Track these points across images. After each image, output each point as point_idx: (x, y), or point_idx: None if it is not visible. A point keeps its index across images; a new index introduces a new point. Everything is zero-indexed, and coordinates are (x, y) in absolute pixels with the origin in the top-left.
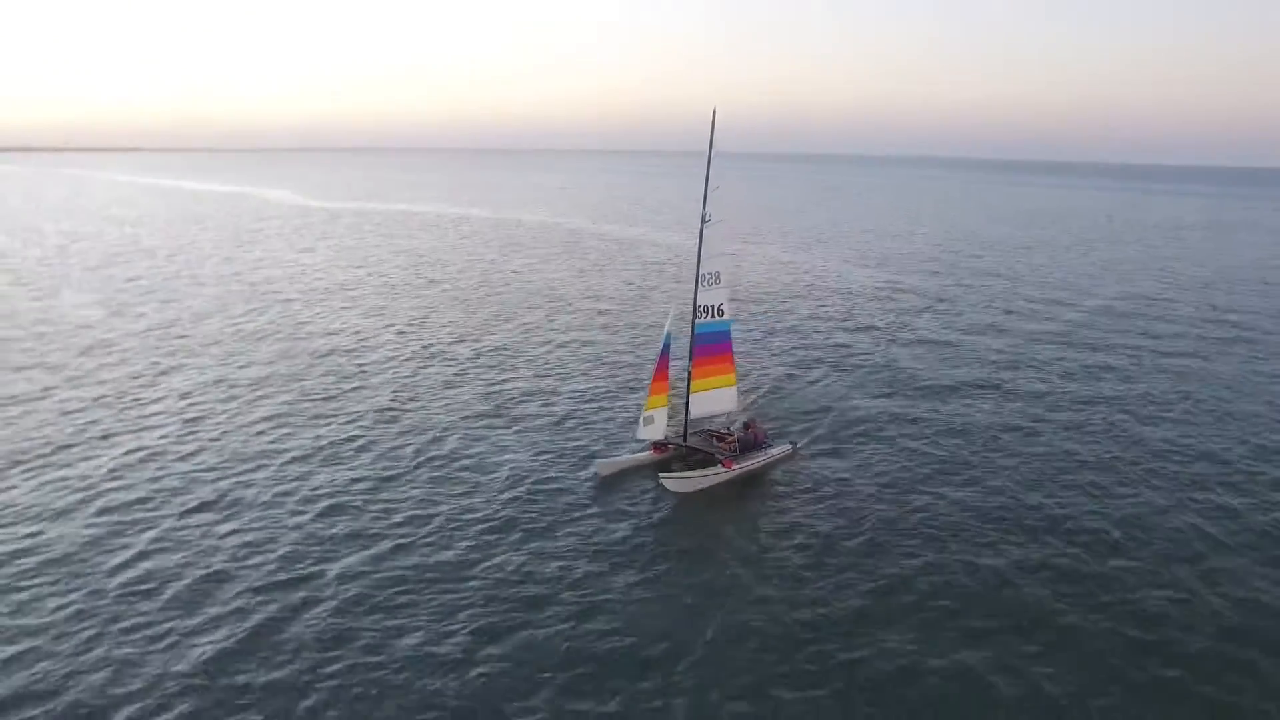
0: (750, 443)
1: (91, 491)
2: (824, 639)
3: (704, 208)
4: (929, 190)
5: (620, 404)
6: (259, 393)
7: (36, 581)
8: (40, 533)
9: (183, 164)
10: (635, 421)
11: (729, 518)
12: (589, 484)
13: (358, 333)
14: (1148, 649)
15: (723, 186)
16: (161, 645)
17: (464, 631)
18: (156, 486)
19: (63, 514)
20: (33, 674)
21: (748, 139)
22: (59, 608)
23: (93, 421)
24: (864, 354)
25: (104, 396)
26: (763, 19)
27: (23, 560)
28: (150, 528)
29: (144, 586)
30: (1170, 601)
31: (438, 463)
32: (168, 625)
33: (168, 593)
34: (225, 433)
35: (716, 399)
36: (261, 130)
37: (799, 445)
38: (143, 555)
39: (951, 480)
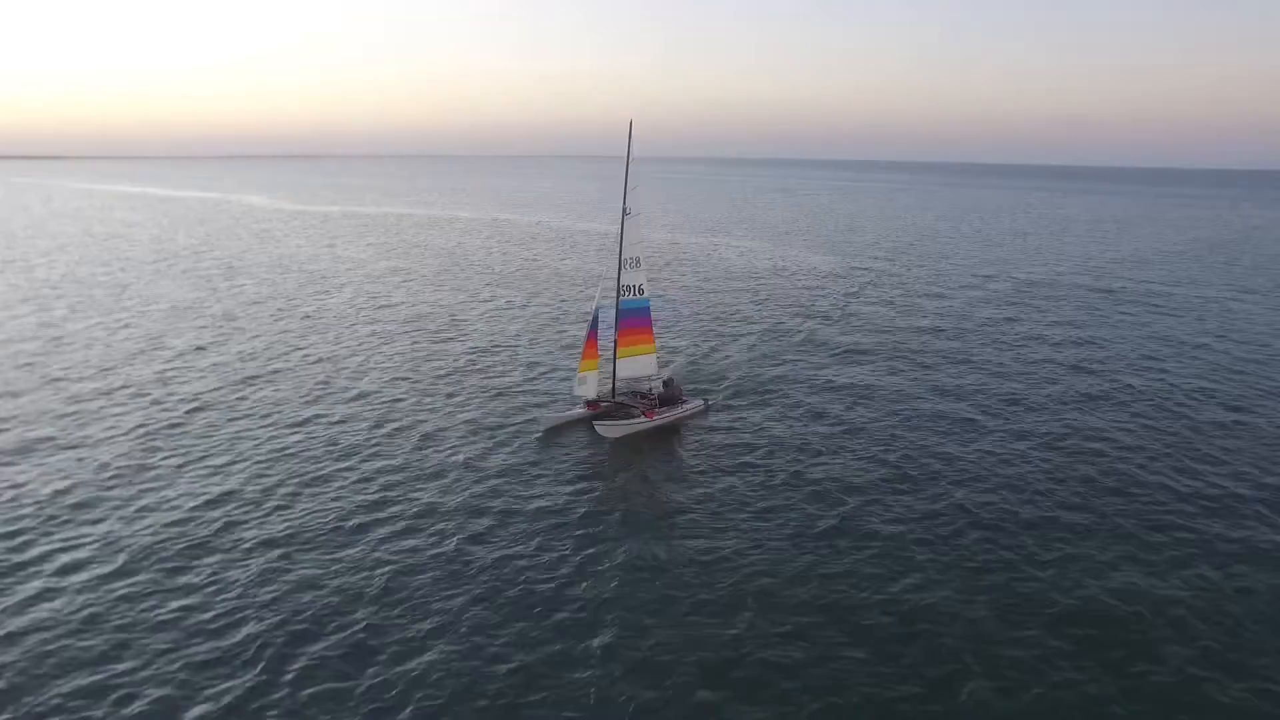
0: (669, 398)
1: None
2: (713, 567)
3: (624, 202)
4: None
5: (559, 369)
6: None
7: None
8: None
9: (125, 171)
10: (570, 383)
11: (649, 458)
12: (535, 435)
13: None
14: (1012, 570)
15: (640, 186)
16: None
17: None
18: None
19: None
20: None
21: (668, 144)
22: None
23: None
24: (773, 326)
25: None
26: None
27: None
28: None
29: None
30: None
31: (399, 422)
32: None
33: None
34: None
35: (639, 364)
36: (167, 138)
37: (710, 402)
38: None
39: (836, 430)
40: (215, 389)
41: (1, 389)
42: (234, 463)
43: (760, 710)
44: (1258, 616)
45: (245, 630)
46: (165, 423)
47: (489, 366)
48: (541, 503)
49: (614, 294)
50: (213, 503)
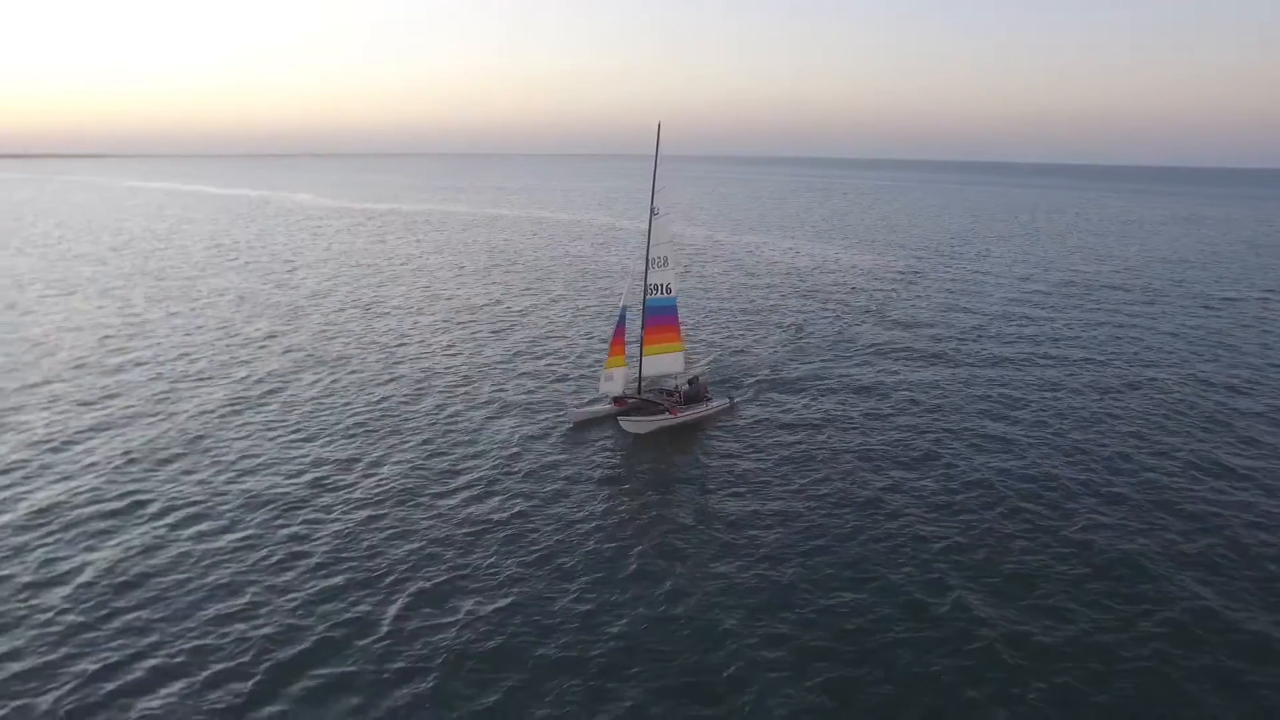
0: (694, 396)
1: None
2: (733, 549)
3: (652, 203)
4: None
5: (589, 363)
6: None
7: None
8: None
9: (172, 169)
10: (598, 378)
11: (674, 454)
12: (564, 428)
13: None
14: (1021, 544)
15: (667, 188)
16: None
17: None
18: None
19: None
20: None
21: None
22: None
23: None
24: (807, 323)
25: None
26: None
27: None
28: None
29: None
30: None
31: (448, 410)
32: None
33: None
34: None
35: (667, 362)
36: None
37: (735, 401)
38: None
39: (860, 429)
40: (291, 370)
41: (100, 371)
42: (317, 435)
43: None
44: None
45: (345, 571)
46: (249, 400)
47: (539, 356)
48: (565, 489)
49: (641, 292)
50: (299, 469)
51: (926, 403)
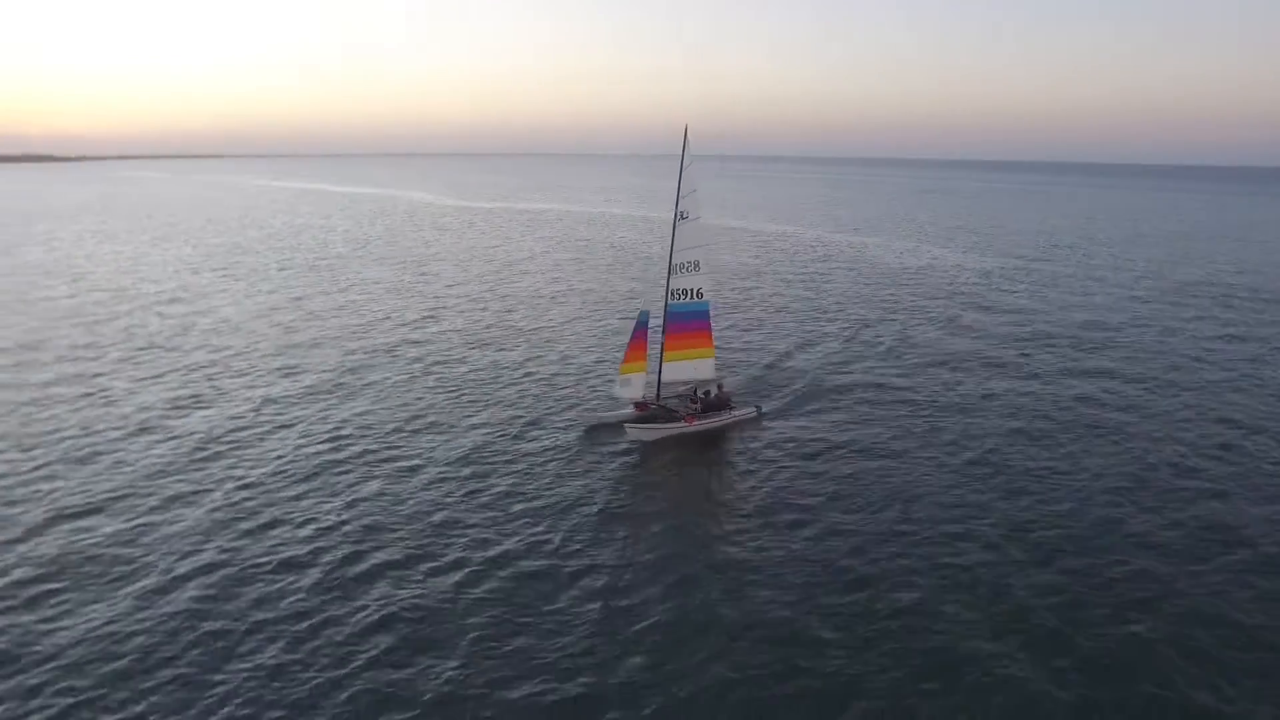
0: (714, 404)
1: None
2: (729, 576)
3: (676, 207)
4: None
5: (605, 366)
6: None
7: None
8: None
9: (284, 169)
10: (614, 382)
11: (686, 463)
12: (579, 433)
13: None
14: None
15: (697, 191)
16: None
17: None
18: None
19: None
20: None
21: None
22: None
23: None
24: (858, 330)
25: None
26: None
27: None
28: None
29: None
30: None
31: (467, 411)
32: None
33: None
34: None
35: (693, 368)
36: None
37: (763, 409)
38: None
39: (893, 447)
40: (450, 349)
41: (279, 351)
42: (488, 404)
43: None
44: None
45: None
46: (423, 374)
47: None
48: (574, 494)
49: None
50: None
51: (994, 434)
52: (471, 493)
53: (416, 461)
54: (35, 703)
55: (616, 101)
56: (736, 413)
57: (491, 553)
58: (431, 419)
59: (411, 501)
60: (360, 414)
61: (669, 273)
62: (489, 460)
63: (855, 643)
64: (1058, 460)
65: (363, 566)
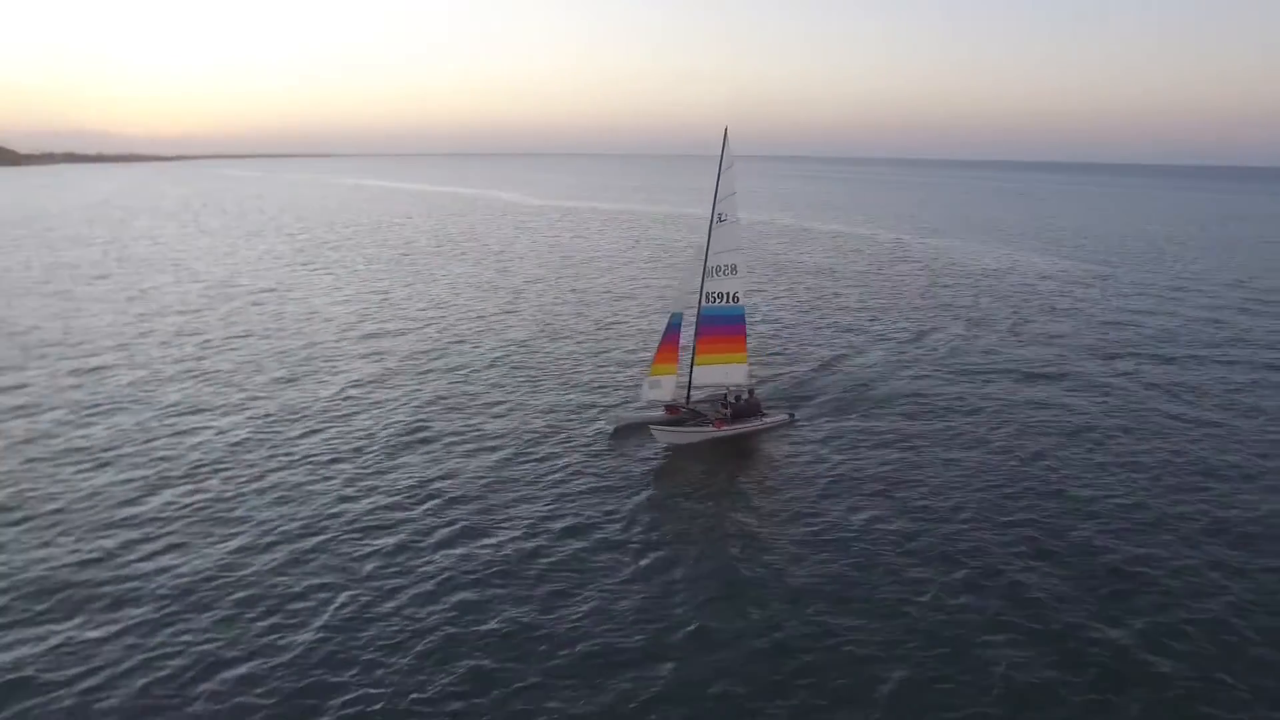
0: (744, 410)
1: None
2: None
3: (713, 210)
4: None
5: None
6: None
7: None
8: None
9: (362, 167)
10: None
11: (713, 467)
12: (607, 434)
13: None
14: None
15: (736, 194)
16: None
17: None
18: None
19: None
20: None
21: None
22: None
23: None
24: (913, 337)
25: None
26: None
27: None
28: None
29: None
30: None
31: (500, 410)
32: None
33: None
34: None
35: (724, 373)
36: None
37: (796, 416)
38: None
39: (930, 457)
40: (525, 338)
41: (374, 335)
42: (562, 386)
43: None
44: None
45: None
46: (502, 359)
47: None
48: (604, 497)
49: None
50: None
51: (1043, 451)
52: (535, 477)
53: (481, 444)
54: (163, 633)
55: (656, 102)
56: (768, 419)
57: (530, 545)
58: (505, 403)
59: (464, 476)
60: (441, 396)
61: (703, 275)
62: (556, 442)
63: (888, 660)
64: (1115, 483)
65: (443, 532)
